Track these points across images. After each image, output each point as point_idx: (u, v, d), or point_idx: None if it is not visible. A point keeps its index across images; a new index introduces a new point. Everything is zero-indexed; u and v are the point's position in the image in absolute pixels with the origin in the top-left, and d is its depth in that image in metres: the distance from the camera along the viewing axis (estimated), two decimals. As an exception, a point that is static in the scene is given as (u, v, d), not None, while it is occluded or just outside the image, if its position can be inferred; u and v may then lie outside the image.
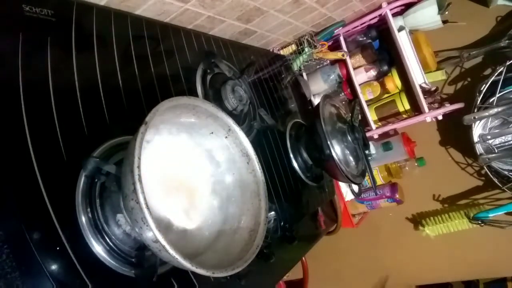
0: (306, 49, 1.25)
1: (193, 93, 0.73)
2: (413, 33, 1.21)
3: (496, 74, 1.03)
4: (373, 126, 1.26)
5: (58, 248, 0.41)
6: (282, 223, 0.80)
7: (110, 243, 0.47)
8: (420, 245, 1.37)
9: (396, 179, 1.41)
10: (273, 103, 1.03)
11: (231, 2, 0.85)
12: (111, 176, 0.46)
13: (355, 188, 1.27)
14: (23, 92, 0.45)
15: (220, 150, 0.59)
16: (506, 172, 1.09)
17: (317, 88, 1.38)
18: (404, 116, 1.26)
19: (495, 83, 1.03)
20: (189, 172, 0.57)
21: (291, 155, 0.96)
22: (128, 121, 0.57)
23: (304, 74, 1.37)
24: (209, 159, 0.59)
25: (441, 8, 1.12)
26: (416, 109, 1.22)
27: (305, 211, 0.98)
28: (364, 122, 1.26)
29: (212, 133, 0.57)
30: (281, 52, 1.30)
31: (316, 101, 1.37)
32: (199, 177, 0.58)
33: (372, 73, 1.28)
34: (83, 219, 0.45)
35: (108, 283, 0.46)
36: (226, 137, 0.58)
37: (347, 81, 1.34)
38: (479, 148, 1.10)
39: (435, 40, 1.22)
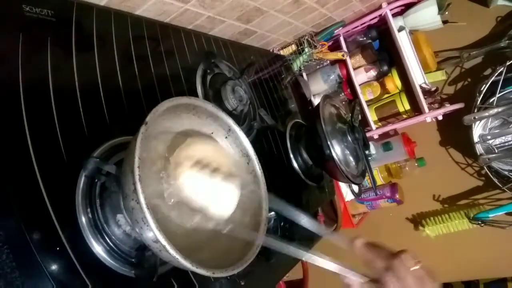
0: (306, 49, 1.25)
1: (193, 93, 0.73)
2: (413, 33, 1.21)
3: (496, 75, 1.03)
4: (373, 126, 1.26)
5: (58, 248, 0.41)
6: (282, 223, 0.80)
7: (110, 243, 0.47)
8: (420, 245, 1.37)
9: (396, 179, 1.40)
10: (273, 103, 1.03)
11: (231, 2, 0.85)
12: (111, 176, 0.46)
13: (355, 188, 1.27)
14: (23, 92, 0.45)
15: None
16: (506, 172, 1.09)
17: (317, 88, 1.38)
18: (404, 116, 1.26)
19: (495, 83, 1.03)
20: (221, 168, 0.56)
21: (291, 155, 0.96)
22: (128, 121, 0.57)
23: (304, 74, 1.37)
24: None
25: (441, 8, 1.12)
26: (416, 109, 1.22)
27: (305, 211, 0.98)
28: (364, 122, 1.26)
29: (212, 133, 0.57)
30: (281, 52, 1.30)
31: (316, 101, 1.37)
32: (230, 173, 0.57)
33: (372, 73, 1.28)
34: (83, 219, 0.45)
35: (108, 283, 0.45)
36: (226, 137, 0.58)
37: (347, 81, 1.34)
38: (479, 148, 1.10)
39: (435, 40, 1.22)
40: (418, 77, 1.16)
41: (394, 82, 1.25)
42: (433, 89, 1.19)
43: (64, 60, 0.52)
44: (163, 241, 0.37)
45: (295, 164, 0.96)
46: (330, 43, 1.33)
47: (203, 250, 0.50)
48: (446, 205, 1.34)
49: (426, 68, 1.19)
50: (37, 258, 0.39)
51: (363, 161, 0.93)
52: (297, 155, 0.97)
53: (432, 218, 1.31)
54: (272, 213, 0.75)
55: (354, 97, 1.31)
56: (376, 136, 1.27)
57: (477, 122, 1.09)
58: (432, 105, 1.19)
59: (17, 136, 0.42)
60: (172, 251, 0.37)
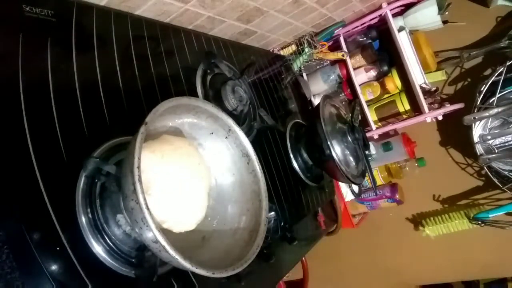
0: (306, 50, 1.25)
1: (193, 94, 0.73)
2: (413, 33, 1.21)
3: (496, 75, 1.03)
4: (373, 126, 1.26)
5: (58, 249, 0.41)
6: (282, 223, 0.80)
7: (110, 243, 0.47)
8: (420, 245, 1.37)
9: (396, 179, 1.40)
10: (273, 103, 1.03)
11: (231, 2, 0.85)
12: (111, 176, 0.46)
13: (355, 188, 1.27)
14: (23, 93, 0.45)
15: (220, 151, 0.59)
16: (506, 173, 1.09)
17: (317, 88, 1.38)
18: (404, 116, 1.26)
19: (495, 83, 1.03)
20: (188, 172, 0.57)
21: (291, 155, 0.96)
22: (128, 121, 0.57)
23: (304, 75, 1.37)
24: (209, 160, 0.59)
25: (441, 8, 1.12)
26: (416, 109, 1.22)
27: (305, 211, 0.98)
28: (364, 122, 1.26)
29: (212, 133, 0.57)
30: (281, 53, 1.30)
31: (316, 101, 1.37)
32: (198, 177, 0.58)
33: (372, 73, 1.28)
34: (83, 220, 0.45)
35: (108, 283, 0.46)
36: (226, 137, 0.58)
37: (347, 82, 1.34)
38: (479, 149, 1.10)
39: (435, 40, 1.22)
40: (418, 77, 1.16)
41: (394, 82, 1.25)
42: (433, 89, 1.19)
43: (64, 60, 0.52)
44: (163, 242, 0.37)
45: (295, 164, 0.96)
46: (330, 43, 1.33)
47: (203, 251, 0.50)
48: (446, 205, 1.34)
49: (426, 68, 1.19)
50: (37, 258, 0.39)
51: (363, 161, 0.93)
52: (297, 155, 0.97)
53: (432, 218, 1.31)
54: (272, 213, 0.75)
55: (354, 97, 1.31)
56: (376, 136, 1.27)
57: (477, 122, 1.09)
58: (432, 105, 1.19)
59: (17, 136, 0.42)
60: (171, 252, 0.37)
